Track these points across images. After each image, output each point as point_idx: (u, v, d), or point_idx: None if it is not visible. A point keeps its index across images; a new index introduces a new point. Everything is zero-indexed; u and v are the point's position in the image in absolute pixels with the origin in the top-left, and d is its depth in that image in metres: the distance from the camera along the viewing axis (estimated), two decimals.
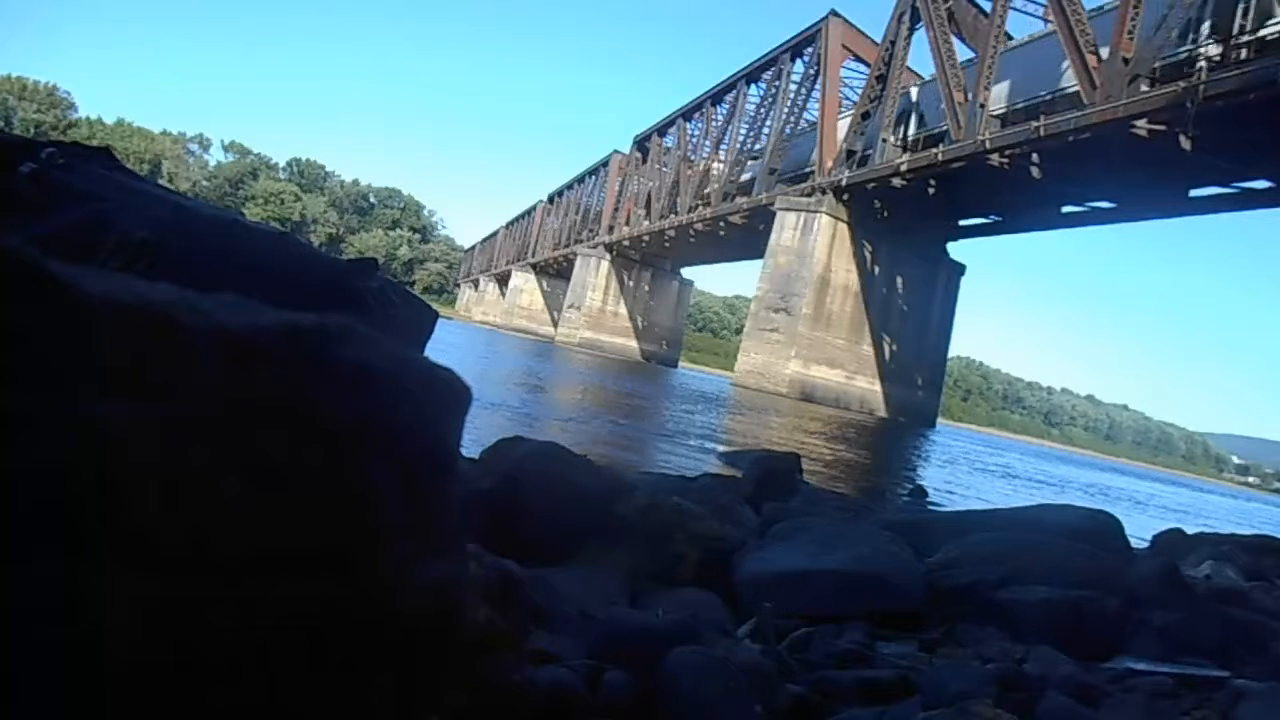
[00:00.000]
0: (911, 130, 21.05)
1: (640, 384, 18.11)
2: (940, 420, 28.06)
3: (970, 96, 17.62)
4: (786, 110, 25.86)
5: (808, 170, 23.91)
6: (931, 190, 19.88)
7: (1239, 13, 13.17)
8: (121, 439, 0.44)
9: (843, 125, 22.92)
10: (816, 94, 24.34)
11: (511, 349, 24.16)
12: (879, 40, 22.19)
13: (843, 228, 22.02)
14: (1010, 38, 18.44)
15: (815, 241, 21.73)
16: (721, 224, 28.45)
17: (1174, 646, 1.64)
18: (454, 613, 0.61)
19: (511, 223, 68.44)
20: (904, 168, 19.31)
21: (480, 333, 36.18)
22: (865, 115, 21.94)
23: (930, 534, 2.28)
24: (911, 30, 20.86)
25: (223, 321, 0.50)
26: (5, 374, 0.41)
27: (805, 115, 25.62)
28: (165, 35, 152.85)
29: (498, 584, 1.11)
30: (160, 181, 1.87)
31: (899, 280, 23.25)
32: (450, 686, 0.63)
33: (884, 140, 20.93)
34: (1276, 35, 12.83)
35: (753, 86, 29.17)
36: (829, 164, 22.49)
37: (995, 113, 17.48)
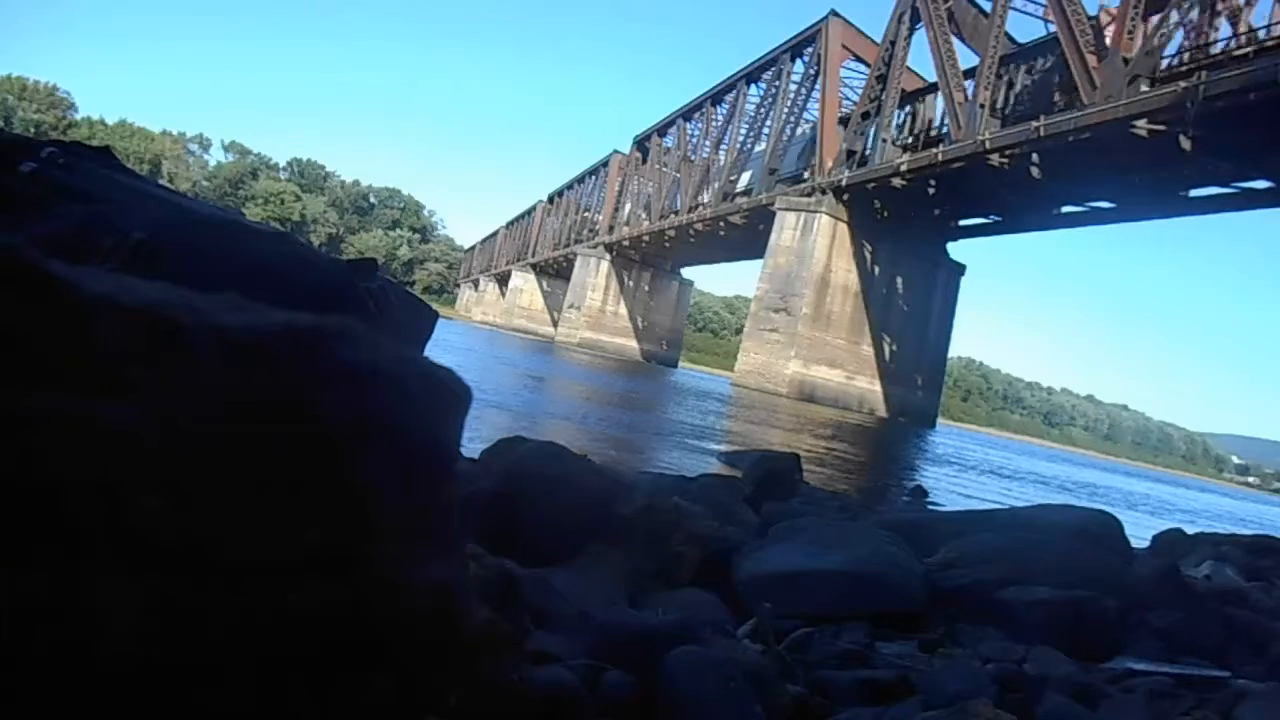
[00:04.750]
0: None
1: (640, 384, 18.11)
2: (940, 420, 28.05)
3: (970, 96, 17.64)
4: (786, 110, 25.85)
5: (802, 173, 24.05)
6: (931, 190, 19.89)
7: None
8: (121, 439, 0.44)
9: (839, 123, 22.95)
10: (816, 94, 24.34)
11: (512, 349, 24.15)
12: (879, 40, 22.20)
13: (843, 228, 22.01)
14: (1011, 38, 18.44)
15: (815, 241, 21.72)
16: (721, 224, 28.44)
17: (1174, 646, 1.64)
18: (454, 613, 0.61)
19: (511, 223, 68.40)
20: (904, 168, 19.32)
21: (480, 333, 36.17)
22: (865, 115, 21.94)
23: (930, 534, 2.27)
24: (911, 30, 20.87)
25: (222, 322, 0.50)
26: (5, 374, 0.41)
27: (805, 115, 25.64)
28: (165, 35, 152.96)
29: (498, 584, 1.11)
30: (160, 181, 1.87)
31: (899, 280, 23.24)
32: (450, 686, 0.63)
33: (884, 140, 20.95)
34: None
35: (753, 86, 29.16)
36: (829, 164, 22.50)
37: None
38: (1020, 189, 18.19)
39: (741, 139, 28.94)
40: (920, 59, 21.40)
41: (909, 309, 23.43)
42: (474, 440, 2.20)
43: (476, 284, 76.70)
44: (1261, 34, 13.43)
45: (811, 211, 22.01)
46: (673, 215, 33.08)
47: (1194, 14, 13.70)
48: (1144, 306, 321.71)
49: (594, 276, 40.53)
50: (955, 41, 18.92)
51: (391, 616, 0.54)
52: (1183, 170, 15.23)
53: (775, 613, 1.53)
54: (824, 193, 22.00)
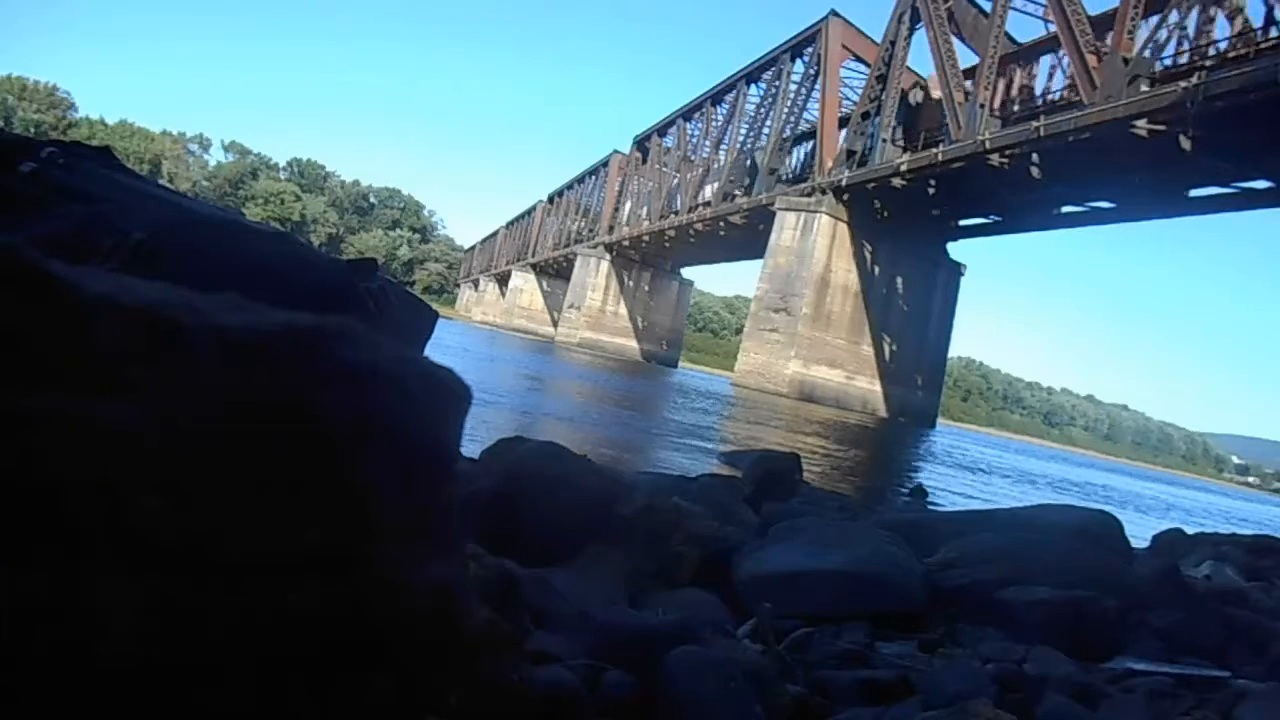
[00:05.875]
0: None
1: (640, 384, 18.11)
2: (940, 420, 28.05)
3: (970, 96, 17.65)
4: (786, 110, 25.85)
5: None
6: (931, 190, 19.90)
7: None
8: (121, 439, 0.44)
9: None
10: (816, 94, 24.34)
11: (512, 349, 24.15)
12: (879, 40, 22.20)
13: (843, 228, 22.02)
14: (1011, 38, 18.45)
15: (815, 241, 21.72)
16: (721, 224, 28.44)
17: (1174, 646, 1.64)
18: (454, 613, 0.61)
19: (511, 223, 68.39)
20: (904, 168, 19.33)
21: (480, 333, 36.18)
22: (865, 115, 21.94)
23: (930, 534, 2.27)
24: (911, 30, 20.89)
25: (222, 322, 0.50)
26: (5, 374, 0.41)
27: (805, 115, 25.63)
28: (165, 35, 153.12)
29: (498, 584, 1.11)
30: (160, 181, 1.87)
31: (899, 280, 23.24)
32: (450, 686, 0.63)
33: (884, 140, 20.95)
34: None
35: (753, 86, 29.16)
36: (829, 164, 22.50)
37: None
38: (1020, 189, 18.20)
39: (741, 139, 28.94)
40: (920, 59, 21.45)
41: (909, 309, 23.43)
42: (474, 440, 2.20)
43: (476, 284, 76.67)
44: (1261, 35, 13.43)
45: (811, 211, 22.01)
46: (673, 215, 33.07)
47: (1193, 14, 13.71)
48: (1144, 306, 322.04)
49: (594, 276, 40.51)
50: (955, 41, 18.94)
51: (391, 616, 0.54)
52: (1183, 170, 15.22)
53: (775, 613, 1.53)
54: (824, 193, 22.00)
